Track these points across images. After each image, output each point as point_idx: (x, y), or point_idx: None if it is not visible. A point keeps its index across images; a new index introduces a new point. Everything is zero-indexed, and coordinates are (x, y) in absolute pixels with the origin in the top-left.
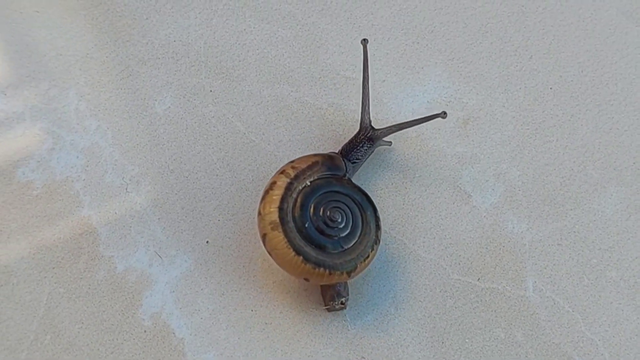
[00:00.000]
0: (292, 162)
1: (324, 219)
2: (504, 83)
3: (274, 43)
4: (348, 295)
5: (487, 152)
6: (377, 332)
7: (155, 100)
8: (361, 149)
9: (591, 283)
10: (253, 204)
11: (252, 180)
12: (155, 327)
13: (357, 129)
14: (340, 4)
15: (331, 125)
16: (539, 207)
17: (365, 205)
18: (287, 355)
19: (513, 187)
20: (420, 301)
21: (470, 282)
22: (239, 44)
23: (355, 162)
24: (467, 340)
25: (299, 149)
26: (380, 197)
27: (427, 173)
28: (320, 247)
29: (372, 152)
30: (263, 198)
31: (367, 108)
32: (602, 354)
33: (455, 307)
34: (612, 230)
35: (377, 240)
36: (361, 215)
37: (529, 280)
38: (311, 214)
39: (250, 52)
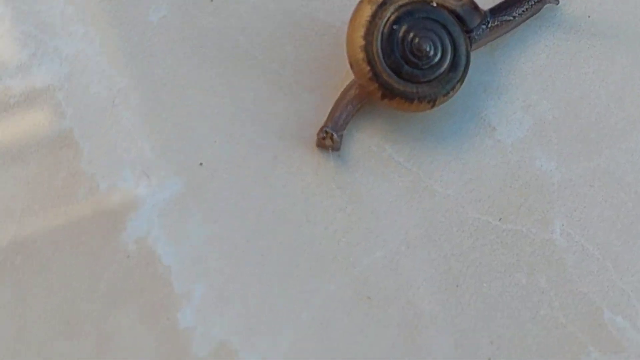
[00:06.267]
0: None
1: (413, 40)
2: None
3: None
4: (343, 132)
5: (515, 82)
6: (385, 271)
7: (150, 7)
8: (524, 5)
9: (625, 228)
10: (252, 126)
11: (253, 100)
12: (139, 252)
13: None
14: None
15: (344, 44)
16: (570, 143)
17: (459, 64)
18: (284, 291)
19: (542, 121)
20: (434, 240)
21: (491, 222)
22: None
23: (506, 21)
24: (484, 285)
25: (307, 69)
26: (396, 125)
27: (450, 100)
28: (385, 52)
29: (533, 13)
30: None
31: None
32: (634, 306)
33: (473, 248)
34: None
35: (431, 102)
36: (445, 68)
37: (556, 222)
38: (408, 24)
39: None
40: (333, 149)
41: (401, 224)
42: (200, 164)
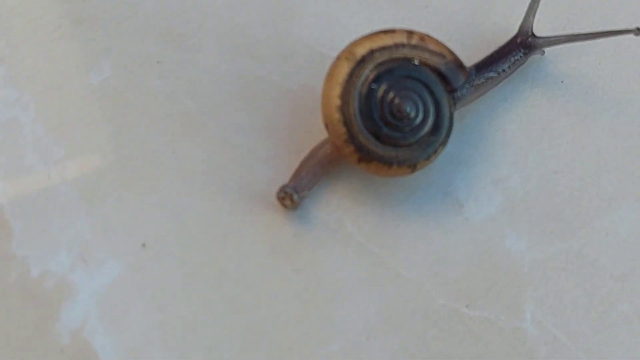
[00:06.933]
0: (428, 35)
1: (393, 101)
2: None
3: (238, 9)
4: (306, 193)
5: (485, 153)
6: None
7: (91, 69)
8: (510, 59)
9: (599, 317)
10: (202, 200)
11: (204, 172)
12: (74, 346)
13: (513, 35)
14: None
15: (303, 111)
16: (542, 222)
17: (442, 126)
18: None
19: (513, 197)
20: (397, 329)
21: (458, 309)
22: (196, 7)
23: (491, 77)
24: None
25: (263, 137)
26: (357, 200)
27: (414, 175)
28: (363, 114)
29: (517, 67)
30: (372, 35)
31: (534, 10)
32: None
33: (439, 338)
34: (626, 254)
35: (412, 166)
36: (426, 131)
37: (527, 309)
38: (387, 83)
39: (209, 17)
40: (292, 209)
41: (361, 311)
42: (143, 244)
